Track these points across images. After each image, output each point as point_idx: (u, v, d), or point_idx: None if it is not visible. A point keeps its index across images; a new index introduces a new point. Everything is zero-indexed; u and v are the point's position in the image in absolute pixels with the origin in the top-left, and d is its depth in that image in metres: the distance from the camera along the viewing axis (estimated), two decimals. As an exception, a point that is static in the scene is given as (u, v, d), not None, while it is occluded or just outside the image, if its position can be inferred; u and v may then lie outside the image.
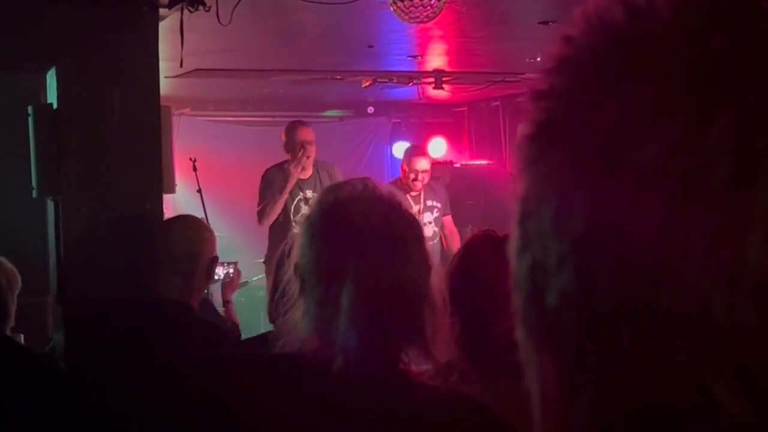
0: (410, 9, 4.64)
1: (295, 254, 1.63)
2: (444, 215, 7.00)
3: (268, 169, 6.58)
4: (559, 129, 0.47)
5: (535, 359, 0.49)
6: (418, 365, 1.64)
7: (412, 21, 4.71)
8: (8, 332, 3.42)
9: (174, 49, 4.75)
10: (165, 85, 6.48)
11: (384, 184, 1.68)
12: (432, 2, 4.63)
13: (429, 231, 6.74)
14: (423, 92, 8.59)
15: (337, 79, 7.87)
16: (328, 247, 1.59)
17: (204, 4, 4.17)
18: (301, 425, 1.56)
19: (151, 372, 2.13)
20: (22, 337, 3.82)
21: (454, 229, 7.06)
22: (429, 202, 6.89)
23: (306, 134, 6.41)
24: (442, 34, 6.20)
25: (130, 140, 3.41)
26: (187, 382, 1.69)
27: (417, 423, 1.57)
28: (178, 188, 4.33)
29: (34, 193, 3.55)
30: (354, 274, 1.55)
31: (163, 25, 4.27)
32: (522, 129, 0.50)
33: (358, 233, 1.57)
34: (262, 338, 1.81)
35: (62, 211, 3.43)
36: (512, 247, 0.51)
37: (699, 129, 0.41)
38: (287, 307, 1.62)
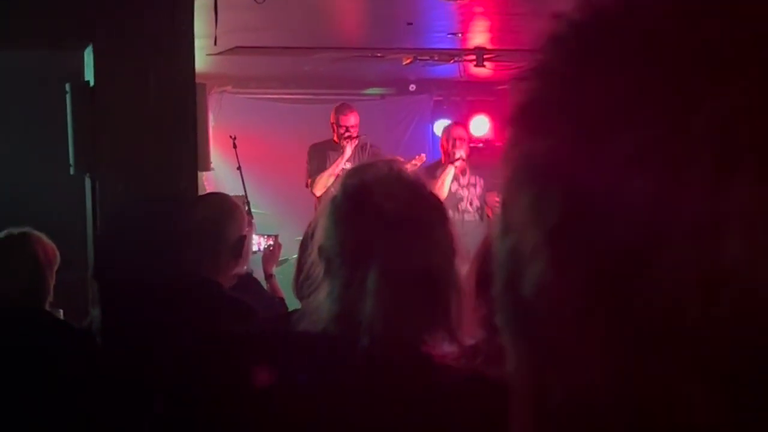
0: (448, -14, 4.60)
1: (319, 236, 1.63)
2: (488, 190, 6.95)
3: (313, 145, 7.00)
4: (539, 112, 0.45)
5: (511, 347, 0.47)
6: (443, 348, 1.63)
7: (450, -1, 4.67)
8: (47, 307, 3.47)
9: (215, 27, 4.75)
10: (207, 63, 6.49)
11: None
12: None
13: (471, 208, 6.75)
14: (465, 70, 8.50)
15: (378, 56, 7.82)
16: (354, 229, 1.59)
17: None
18: (324, 404, 1.56)
19: (177, 350, 2.14)
20: (61, 313, 3.87)
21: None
22: (472, 179, 6.88)
23: (348, 119, 6.91)
24: (482, 11, 6.13)
25: (165, 118, 3.42)
26: (212, 359, 1.70)
27: (440, 404, 1.56)
28: (218, 165, 4.36)
29: (72, 170, 3.59)
30: (380, 256, 1.54)
31: (203, 3, 4.27)
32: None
33: (383, 216, 1.56)
34: (286, 318, 1.82)
35: (98, 188, 3.46)
36: (495, 229, 0.48)
37: (683, 117, 0.39)
38: (311, 288, 1.62)
